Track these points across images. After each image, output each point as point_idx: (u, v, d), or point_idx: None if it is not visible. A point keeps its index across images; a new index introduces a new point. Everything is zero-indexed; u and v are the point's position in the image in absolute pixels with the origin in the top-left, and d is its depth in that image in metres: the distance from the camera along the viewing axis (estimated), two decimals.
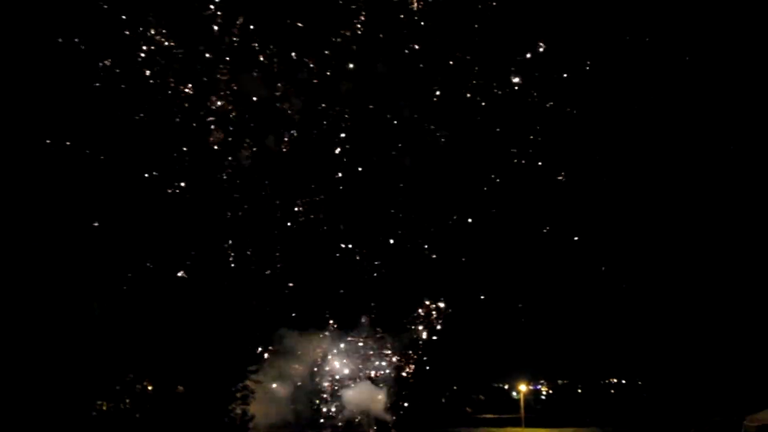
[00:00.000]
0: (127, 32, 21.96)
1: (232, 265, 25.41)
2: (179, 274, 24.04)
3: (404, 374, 55.22)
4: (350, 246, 32.99)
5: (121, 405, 23.69)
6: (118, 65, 22.05)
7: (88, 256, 22.06)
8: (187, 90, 22.93)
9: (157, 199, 23.22)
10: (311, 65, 24.41)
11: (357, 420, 52.27)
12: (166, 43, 22.43)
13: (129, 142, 22.43)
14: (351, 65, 25.04)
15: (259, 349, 27.65)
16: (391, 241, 34.37)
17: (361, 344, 49.28)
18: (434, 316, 51.54)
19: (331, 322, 41.73)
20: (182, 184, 23.56)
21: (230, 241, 25.23)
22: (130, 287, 23.18)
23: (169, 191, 23.35)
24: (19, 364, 20.88)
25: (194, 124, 23.34)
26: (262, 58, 23.75)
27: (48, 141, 21.38)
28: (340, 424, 50.47)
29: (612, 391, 77.56)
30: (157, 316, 23.51)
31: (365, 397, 53.72)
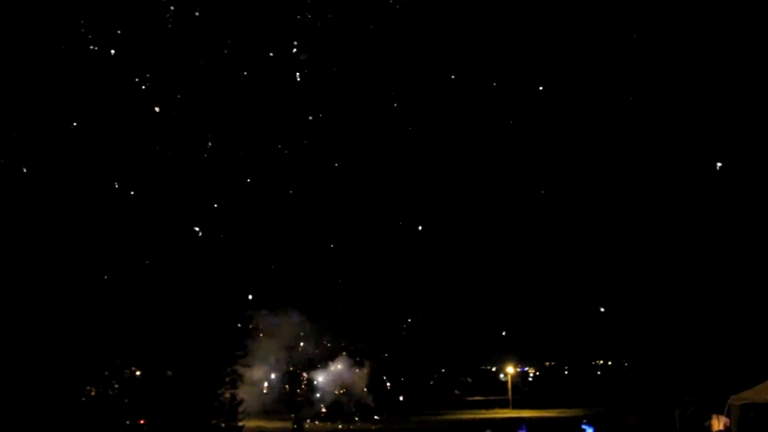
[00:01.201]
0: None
1: (217, 250, 25.44)
2: (165, 261, 24.03)
3: (386, 354, 54.45)
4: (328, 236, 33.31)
5: (109, 390, 23.69)
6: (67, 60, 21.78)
7: (74, 246, 22.03)
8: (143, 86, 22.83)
9: (136, 190, 23.25)
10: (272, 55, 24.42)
11: (338, 403, 51.41)
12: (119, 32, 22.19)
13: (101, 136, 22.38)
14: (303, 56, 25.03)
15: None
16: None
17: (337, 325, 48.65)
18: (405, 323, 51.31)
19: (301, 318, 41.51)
20: (160, 175, 23.58)
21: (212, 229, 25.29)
22: (116, 275, 23.15)
23: (147, 184, 23.36)
24: (7, 352, 20.86)
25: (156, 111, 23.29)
26: (226, 51, 23.73)
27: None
28: (321, 407, 49.57)
29: (599, 372, 78.31)
30: (145, 302, 23.50)
31: (344, 378, 52.92)
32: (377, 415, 49.27)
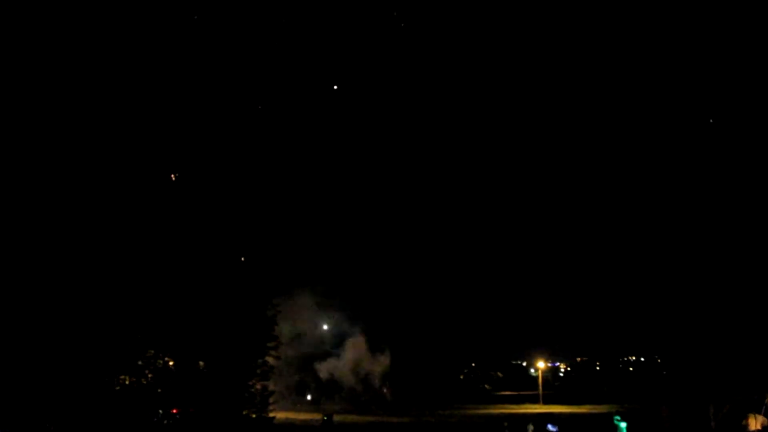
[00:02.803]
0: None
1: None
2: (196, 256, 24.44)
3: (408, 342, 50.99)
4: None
5: (142, 380, 24.03)
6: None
7: (106, 244, 22.53)
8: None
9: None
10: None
11: (354, 394, 48.49)
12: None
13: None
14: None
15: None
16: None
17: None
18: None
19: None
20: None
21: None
22: (150, 269, 23.56)
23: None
24: (45, 342, 21.31)
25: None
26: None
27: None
28: (336, 398, 47.02)
29: (631, 368, 77.40)
30: (177, 294, 23.80)
31: (361, 366, 49.61)
32: (397, 408, 47.03)
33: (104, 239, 22.31)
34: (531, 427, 26.08)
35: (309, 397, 46.21)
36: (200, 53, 23.86)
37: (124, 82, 22.79)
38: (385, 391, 49.85)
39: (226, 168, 25.45)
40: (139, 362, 23.93)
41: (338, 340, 49.00)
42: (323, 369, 49.01)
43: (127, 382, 23.84)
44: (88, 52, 22.14)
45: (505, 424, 30.58)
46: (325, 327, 46.98)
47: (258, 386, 25.45)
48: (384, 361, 49.87)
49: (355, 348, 49.17)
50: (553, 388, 65.59)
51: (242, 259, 25.51)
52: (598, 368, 79.75)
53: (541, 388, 59.50)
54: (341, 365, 49.12)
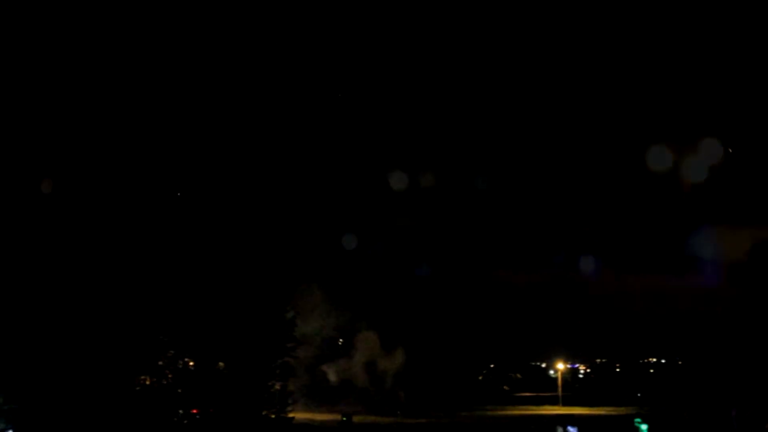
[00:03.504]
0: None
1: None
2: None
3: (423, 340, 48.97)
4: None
5: (163, 380, 24.21)
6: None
7: (131, 248, 22.81)
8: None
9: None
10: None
11: (366, 394, 47.15)
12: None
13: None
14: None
15: None
16: None
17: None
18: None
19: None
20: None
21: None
22: (171, 271, 23.81)
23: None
24: (66, 343, 21.55)
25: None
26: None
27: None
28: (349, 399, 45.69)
29: (651, 370, 76.71)
30: (198, 295, 23.98)
31: (372, 366, 47.75)
32: (412, 409, 45.86)
33: (127, 245, 22.56)
34: (560, 429, 26.14)
35: (321, 398, 45.50)
36: (213, 65, 24.19)
37: (145, 89, 23.09)
38: (399, 392, 48.90)
39: (245, 177, 25.80)
40: (160, 363, 24.13)
41: (348, 339, 47.84)
42: (333, 370, 48.00)
43: (147, 383, 24.05)
44: (103, 67, 22.49)
45: (533, 427, 30.42)
46: (334, 327, 45.96)
47: (277, 387, 25.56)
48: (398, 359, 48.78)
49: (366, 345, 47.98)
50: (573, 390, 65.10)
51: (260, 260, 25.67)
52: (618, 370, 79.00)
53: (560, 389, 59.11)
54: (352, 365, 48.03)
